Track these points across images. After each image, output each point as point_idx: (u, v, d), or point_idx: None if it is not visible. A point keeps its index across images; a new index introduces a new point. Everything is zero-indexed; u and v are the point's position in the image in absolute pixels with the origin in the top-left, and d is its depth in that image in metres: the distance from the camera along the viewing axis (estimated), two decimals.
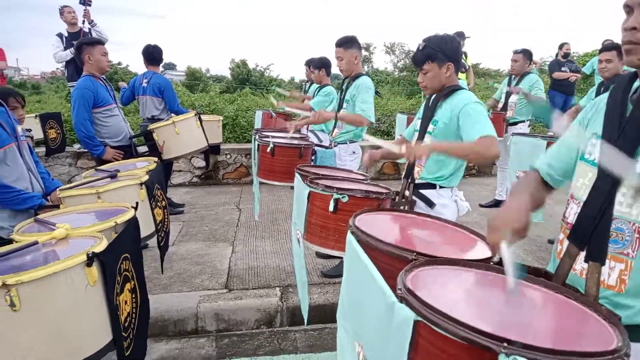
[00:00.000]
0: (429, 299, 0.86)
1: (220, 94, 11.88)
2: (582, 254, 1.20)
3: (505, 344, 0.73)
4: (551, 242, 4.44)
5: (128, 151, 4.15)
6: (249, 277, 3.60)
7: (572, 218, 1.28)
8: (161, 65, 5.41)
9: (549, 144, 3.87)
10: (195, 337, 3.07)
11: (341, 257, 2.92)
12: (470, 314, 0.92)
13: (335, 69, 4.57)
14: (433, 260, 1.13)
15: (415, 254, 1.18)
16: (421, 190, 2.40)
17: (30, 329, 1.36)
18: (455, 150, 2.16)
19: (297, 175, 2.36)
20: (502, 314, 0.95)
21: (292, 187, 2.78)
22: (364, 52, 24.32)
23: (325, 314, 3.18)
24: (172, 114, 5.03)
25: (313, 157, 3.44)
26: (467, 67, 7.88)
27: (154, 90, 5.00)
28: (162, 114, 5.05)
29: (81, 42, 4.13)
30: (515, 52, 5.50)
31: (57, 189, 2.47)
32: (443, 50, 2.24)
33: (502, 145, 5.63)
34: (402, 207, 2.38)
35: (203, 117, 4.85)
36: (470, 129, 2.16)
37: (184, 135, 4.37)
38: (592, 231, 1.18)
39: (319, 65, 5.15)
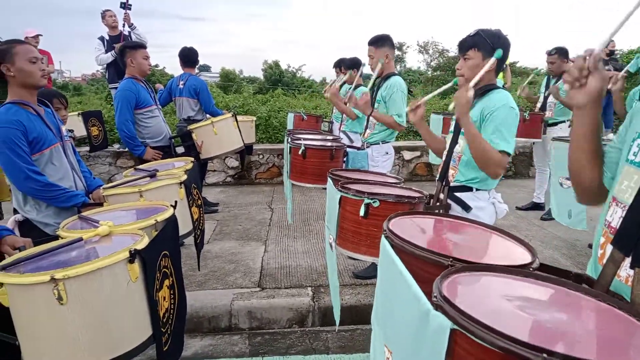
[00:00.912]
0: (466, 307, 0.85)
1: (253, 94, 12.04)
2: (627, 260, 1.15)
3: (544, 355, 0.71)
4: (592, 246, 4.27)
5: (167, 151, 4.25)
6: (281, 277, 3.64)
7: (616, 222, 1.22)
8: (196, 67, 5.53)
9: None
10: (228, 335, 3.13)
11: None
12: (509, 322, 0.90)
13: (366, 69, 4.56)
14: (469, 267, 1.11)
15: (451, 259, 1.16)
16: (456, 193, 2.36)
17: (76, 321, 1.42)
18: (474, 141, 2.16)
19: (329, 180, 2.36)
20: (542, 323, 0.92)
21: (324, 188, 2.78)
22: (396, 52, 24.17)
23: (357, 315, 3.17)
24: (208, 115, 5.15)
25: (345, 159, 3.43)
26: (505, 66, 7.68)
27: (190, 92, 5.12)
28: (197, 115, 5.17)
29: (124, 46, 4.28)
30: (550, 54, 5.23)
31: (101, 188, 2.56)
32: (493, 44, 2.20)
33: (540, 146, 5.47)
34: (437, 211, 2.34)
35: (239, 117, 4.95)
36: (489, 135, 2.16)
37: (222, 135, 4.47)
38: (639, 236, 1.13)
39: (351, 65, 5.14)
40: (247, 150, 5.74)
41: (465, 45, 2.26)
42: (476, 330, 0.79)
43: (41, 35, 5.91)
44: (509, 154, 2.17)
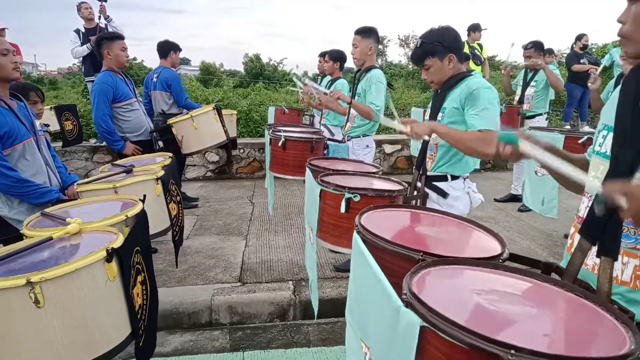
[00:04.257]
0: (435, 303, 0.85)
1: (233, 88, 11.94)
2: (594, 249, 1.19)
3: (512, 351, 0.72)
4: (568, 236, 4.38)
5: (148, 146, 4.17)
6: (262, 271, 3.64)
7: (583, 212, 1.26)
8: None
9: (567, 138, 3.81)
10: (209, 330, 3.11)
11: None
12: (477, 318, 0.91)
13: (349, 63, 4.57)
14: (440, 261, 1.12)
15: (422, 253, 1.17)
16: (434, 182, 2.39)
17: (54, 324, 1.38)
18: (451, 136, 2.13)
19: (308, 170, 2.36)
20: (511, 316, 0.93)
21: (304, 181, 2.78)
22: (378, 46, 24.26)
23: (337, 307, 3.19)
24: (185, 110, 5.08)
25: (325, 151, 3.44)
26: (483, 60, 7.77)
27: (163, 85, 5.05)
28: (172, 109, 5.10)
29: (101, 37, 4.13)
30: (525, 48, 5.30)
31: (75, 184, 2.52)
32: (441, 43, 2.21)
33: None
34: (414, 201, 2.37)
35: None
36: (472, 117, 2.15)
37: (203, 129, 4.37)
38: (604, 225, 1.16)
39: (336, 57, 5.13)
40: (232, 144, 5.67)
41: (419, 58, 2.28)
42: (444, 327, 0.80)
43: (7, 28, 5.73)
44: (491, 130, 2.10)
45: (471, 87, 2.20)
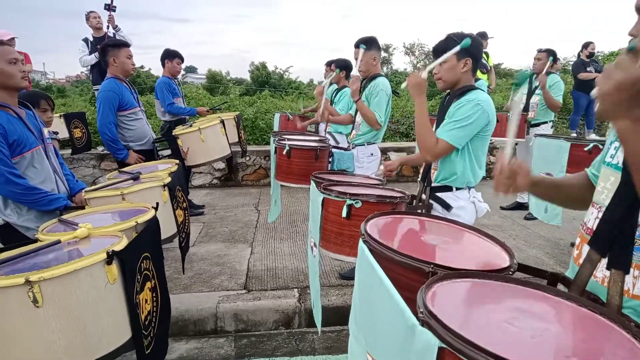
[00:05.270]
0: (451, 322, 0.83)
1: (240, 96, 12.02)
2: (604, 261, 1.17)
3: None
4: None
5: (150, 155, 4.15)
6: (268, 278, 3.63)
7: (592, 223, 1.24)
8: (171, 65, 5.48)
9: (572, 146, 3.80)
10: (214, 337, 3.11)
11: None
12: (497, 338, 0.88)
13: (355, 71, 4.58)
14: (452, 274, 1.09)
15: (432, 265, 1.15)
16: (437, 193, 2.38)
17: (52, 324, 1.39)
18: (417, 123, 2.31)
19: (312, 182, 2.36)
20: (526, 333, 0.90)
21: (310, 189, 2.79)
22: (383, 54, 24.32)
23: (343, 315, 3.18)
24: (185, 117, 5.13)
25: (330, 159, 3.44)
26: (489, 68, 7.76)
27: (155, 93, 5.12)
28: (165, 116, 5.19)
29: (106, 44, 4.10)
30: (540, 51, 5.42)
31: (83, 191, 2.53)
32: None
33: (523, 146, 5.53)
34: (418, 211, 2.36)
35: (221, 115, 4.85)
36: (443, 124, 2.28)
37: (210, 142, 4.28)
38: (615, 238, 1.14)
39: (342, 66, 5.15)
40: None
41: (440, 50, 2.30)
42: (464, 349, 0.77)
43: (16, 37, 5.81)
44: (449, 143, 2.24)
45: (465, 100, 2.24)
